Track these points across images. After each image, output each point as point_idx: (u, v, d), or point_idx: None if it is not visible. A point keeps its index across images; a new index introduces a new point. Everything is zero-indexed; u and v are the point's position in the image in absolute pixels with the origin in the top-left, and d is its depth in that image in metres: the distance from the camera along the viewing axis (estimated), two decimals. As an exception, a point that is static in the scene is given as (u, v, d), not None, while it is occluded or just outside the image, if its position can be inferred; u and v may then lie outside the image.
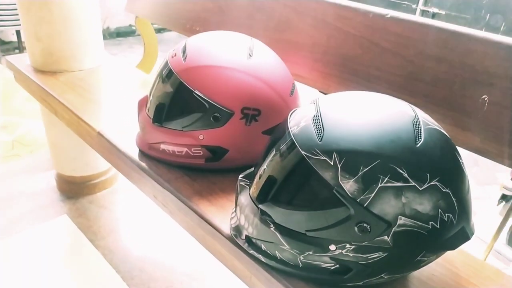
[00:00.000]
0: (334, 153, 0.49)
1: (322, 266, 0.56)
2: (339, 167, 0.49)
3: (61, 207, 1.50)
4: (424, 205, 0.49)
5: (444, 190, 0.50)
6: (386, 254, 0.52)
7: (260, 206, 0.58)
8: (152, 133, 0.82)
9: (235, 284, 1.21)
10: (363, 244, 0.51)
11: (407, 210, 0.49)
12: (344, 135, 0.50)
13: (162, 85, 0.79)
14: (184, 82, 0.74)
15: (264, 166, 0.59)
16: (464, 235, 0.54)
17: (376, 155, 0.49)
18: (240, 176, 0.64)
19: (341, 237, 0.52)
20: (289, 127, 0.56)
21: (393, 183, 0.48)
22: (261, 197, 0.58)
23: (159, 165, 0.84)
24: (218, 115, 0.74)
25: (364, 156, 0.49)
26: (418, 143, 0.50)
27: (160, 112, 0.79)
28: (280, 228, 0.56)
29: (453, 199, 0.51)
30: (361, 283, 0.57)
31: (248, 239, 0.62)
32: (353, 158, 0.49)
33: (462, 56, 0.69)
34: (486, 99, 0.67)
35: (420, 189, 0.48)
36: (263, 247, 0.61)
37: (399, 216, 0.49)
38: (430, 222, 0.50)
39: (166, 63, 0.78)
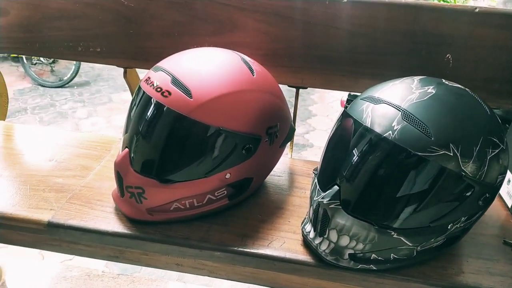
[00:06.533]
0: (451, 145, 0.52)
1: (434, 246, 0.61)
2: (458, 155, 0.52)
3: None
4: (507, 160, 0.58)
5: (506, 142, 0.60)
6: (483, 210, 0.60)
7: (375, 221, 0.56)
8: (160, 195, 0.65)
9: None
10: (475, 211, 0.58)
11: (502, 169, 0.57)
12: (447, 124, 0.53)
13: (161, 133, 0.62)
14: (202, 122, 0.60)
15: (361, 183, 0.57)
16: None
17: (479, 132, 0.54)
18: (324, 200, 0.59)
19: (461, 214, 0.57)
20: (380, 134, 0.55)
21: (494, 151, 0.55)
22: (377, 212, 0.56)
23: (171, 227, 0.68)
24: (250, 145, 0.64)
25: (473, 137, 0.53)
26: (489, 111, 0.58)
27: (170, 166, 0.64)
28: (404, 232, 0.57)
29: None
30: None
31: (353, 256, 0.60)
32: (466, 142, 0.53)
33: (420, 26, 0.80)
34: (449, 57, 0.80)
35: (504, 148, 0.57)
36: (372, 256, 0.60)
37: (498, 176, 0.57)
38: (506, 170, 0.60)
39: (160, 106, 0.61)
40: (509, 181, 0.78)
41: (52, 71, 3.41)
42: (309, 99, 3.24)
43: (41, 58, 3.34)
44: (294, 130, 0.80)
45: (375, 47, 0.82)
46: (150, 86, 0.63)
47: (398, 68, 0.82)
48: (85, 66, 3.54)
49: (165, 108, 0.61)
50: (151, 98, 0.62)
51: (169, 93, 0.61)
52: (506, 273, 0.64)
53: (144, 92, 0.64)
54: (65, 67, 3.46)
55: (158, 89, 0.62)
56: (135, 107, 0.66)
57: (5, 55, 3.60)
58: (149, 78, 0.65)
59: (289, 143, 1.01)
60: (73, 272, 1.22)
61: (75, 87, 3.32)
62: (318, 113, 3.04)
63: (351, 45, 0.82)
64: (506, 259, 0.67)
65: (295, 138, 1.04)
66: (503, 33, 0.77)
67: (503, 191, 0.81)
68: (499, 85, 0.81)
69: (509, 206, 0.77)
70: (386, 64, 0.83)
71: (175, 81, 0.62)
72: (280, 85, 0.83)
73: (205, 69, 0.64)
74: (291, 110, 0.93)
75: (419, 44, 0.81)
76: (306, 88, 0.89)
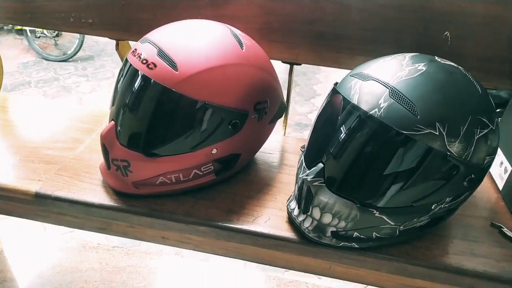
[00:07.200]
0: (437, 124, 0.51)
1: (417, 226, 0.60)
2: (444, 134, 0.51)
3: None
4: (496, 141, 0.57)
5: (496, 123, 0.58)
6: (470, 191, 0.59)
7: (357, 199, 0.56)
8: (146, 168, 0.65)
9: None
10: (461, 192, 0.57)
11: (490, 150, 0.56)
12: (435, 103, 0.52)
13: (147, 106, 0.62)
14: (187, 96, 0.60)
15: (345, 160, 0.56)
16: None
17: (468, 112, 0.53)
18: (309, 177, 0.59)
19: (445, 195, 0.56)
20: (367, 112, 0.53)
21: (482, 131, 0.53)
22: (360, 191, 0.56)
23: (157, 200, 0.69)
24: (236, 121, 0.64)
25: (461, 117, 0.52)
26: (481, 90, 0.56)
27: (156, 140, 0.63)
28: (386, 211, 0.56)
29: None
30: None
31: (335, 234, 0.60)
32: (453, 122, 0.52)
33: (419, 1, 0.77)
34: (448, 34, 0.78)
35: (494, 128, 0.56)
36: (355, 234, 0.60)
37: (486, 157, 0.56)
38: (495, 152, 0.58)
39: (146, 79, 0.60)
40: (501, 163, 0.77)
41: (56, 44, 3.39)
42: (314, 78, 3.20)
43: (45, 31, 3.32)
44: (285, 107, 0.78)
45: (372, 23, 0.80)
46: (137, 58, 0.62)
47: (394, 45, 0.80)
48: (89, 40, 3.52)
49: (151, 81, 0.60)
50: (137, 70, 0.61)
51: (155, 66, 0.60)
52: (490, 255, 0.63)
53: (130, 64, 0.63)
54: (69, 41, 3.44)
55: (144, 61, 0.61)
56: (121, 79, 0.65)
57: (9, 27, 3.59)
58: (135, 49, 0.64)
59: (283, 121, 1.00)
60: (69, 243, 1.25)
61: (79, 61, 3.31)
62: (322, 93, 3.00)
63: (348, 21, 0.80)
64: (492, 241, 0.66)
65: (297, 117, 1.03)
66: (504, 11, 0.74)
67: (495, 173, 0.79)
68: (498, 64, 0.78)
69: (500, 189, 0.76)
70: (382, 41, 0.80)
71: (161, 53, 0.60)
72: (275, 63, 0.81)
73: (192, 42, 0.62)
74: (292, 91, 0.92)
75: (417, 20, 0.78)
76: (300, 64, 0.87)
